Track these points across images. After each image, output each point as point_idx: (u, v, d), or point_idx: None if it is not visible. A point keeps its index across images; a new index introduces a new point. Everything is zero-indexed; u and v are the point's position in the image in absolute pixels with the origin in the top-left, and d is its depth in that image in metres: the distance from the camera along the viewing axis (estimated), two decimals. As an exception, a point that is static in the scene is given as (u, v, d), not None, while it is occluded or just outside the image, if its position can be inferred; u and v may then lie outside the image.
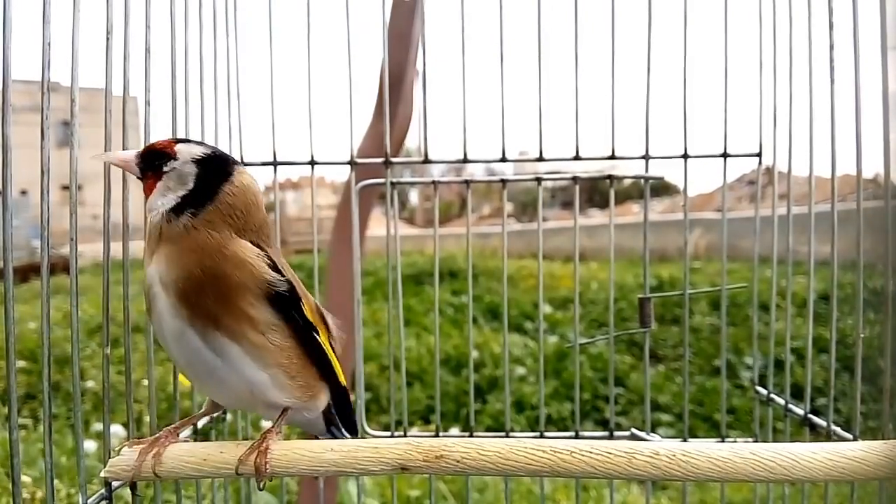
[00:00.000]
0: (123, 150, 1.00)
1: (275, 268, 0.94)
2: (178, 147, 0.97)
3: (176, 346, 0.94)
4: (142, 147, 1.04)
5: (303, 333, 0.98)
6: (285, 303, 0.95)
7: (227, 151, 1.40)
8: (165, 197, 0.95)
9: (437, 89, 1.49)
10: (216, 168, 0.96)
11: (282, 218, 1.51)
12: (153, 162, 0.96)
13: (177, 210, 0.94)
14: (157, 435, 0.98)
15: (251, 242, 0.95)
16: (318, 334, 1.01)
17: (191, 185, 0.95)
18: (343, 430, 1.15)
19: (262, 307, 0.93)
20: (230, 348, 0.92)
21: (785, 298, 1.42)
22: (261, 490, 1.06)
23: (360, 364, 1.48)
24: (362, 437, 1.47)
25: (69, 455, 3.50)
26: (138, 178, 0.98)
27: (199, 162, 0.96)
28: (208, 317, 0.90)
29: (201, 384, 1.01)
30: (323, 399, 1.06)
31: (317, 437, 1.15)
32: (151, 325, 0.97)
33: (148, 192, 0.97)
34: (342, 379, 1.07)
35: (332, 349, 1.05)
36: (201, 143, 1.00)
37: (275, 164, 1.48)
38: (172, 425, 1.01)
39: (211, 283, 0.90)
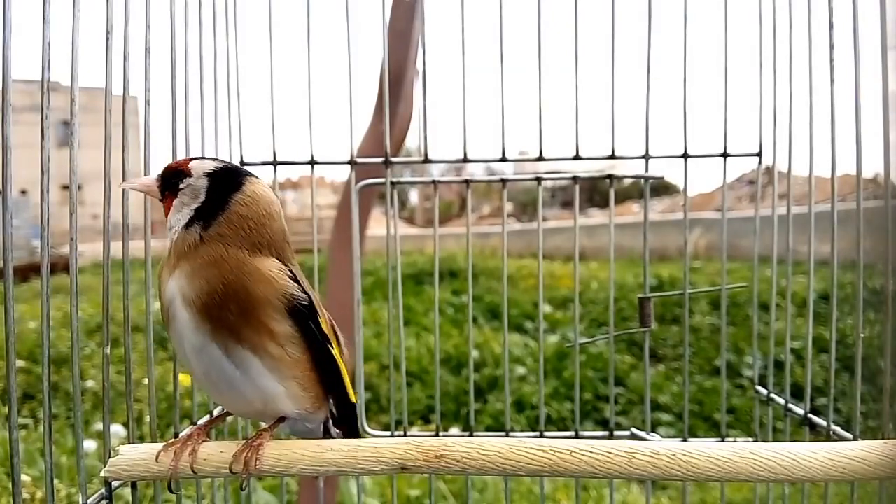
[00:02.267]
0: (123, 155, 1.00)
1: (295, 280, 0.96)
2: (192, 164, 0.98)
3: (196, 360, 0.95)
4: (142, 148, 1.05)
5: (316, 346, 0.99)
6: (304, 316, 0.96)
7: (227, 151, 1.42)
8: (180, 213, 0.97)
9: (437, 89, 1.49)
10: (227, 180, 0.97)
11: (282, 218, 1.50)
12: (170, 181, 0.99)
13: (189, 224, 0.96)
14: (188, 433, 1.00)
15: (273, 257, 0.97)
16: (332, 347, 1.02)
17: (202, 198, 0.97)
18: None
19: (283, 320, 0.95)
20: (250, 361, 0.94)
21: (785, 298, 1.42)
22: (243, 490, 1.07)
23: (360, 364, 1.48)
24: (362, 437, 1.47)
25: (69, 455, 3.50)
26: (160, 200, 1.00)
27: (211, 175, 0.97)
28: (230, 330, 0.92)
29: (217, 394, 1.03)
30: (325, 411, 1.07)
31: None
32: (170, 339, 0.98)
33: (166, 212, 0.99)
34: (351, 393, 1.08)
35: (344, 363, 1.06)
36: (216, 159, 1.01)
37: (275, 163, 1.48)
38: (200, 423, 1.03)
39: (233, 297, 0.91)
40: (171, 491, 1.01)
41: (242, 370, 0.94)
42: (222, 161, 1.01)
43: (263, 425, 1.06)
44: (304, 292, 0.97)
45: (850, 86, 1.16)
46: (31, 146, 0.85)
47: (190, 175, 0.97)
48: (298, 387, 0.99)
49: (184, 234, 0.95)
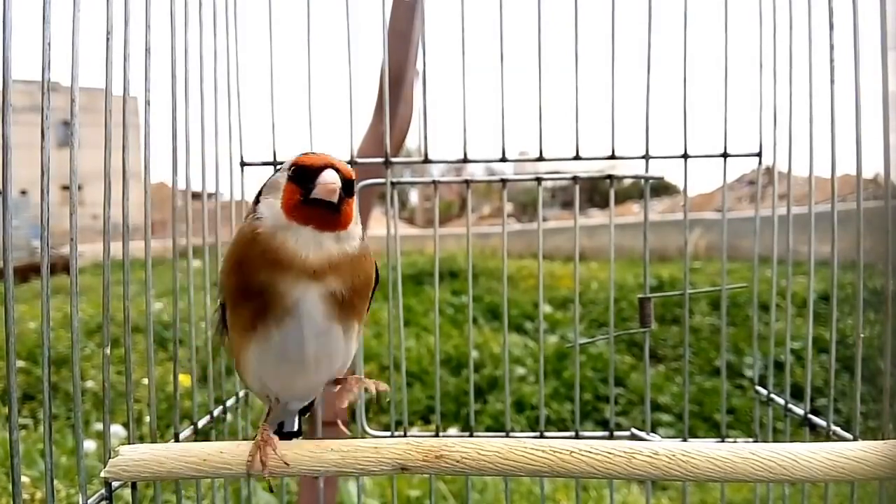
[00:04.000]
0: (123, 156, 0.99)
1: None
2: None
3: (315, 342, 0.97)
4: (142, 148, 1.05)
5: None
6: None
7: (227, 151, 1.42)
8: (358, 225, 1.00)
9: (437, 89, 1.49)
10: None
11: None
12: (350, 188, 0.96)
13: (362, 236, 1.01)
14: (260, 438, 0.99)
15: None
16: None
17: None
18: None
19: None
20: (352, 327, 1.01)
21: (785, 298, 1.42)
22: (272, 492, 1.08)
23: (360, 364, 1.48)
24: (362, 438, 1.47)
25: (69, 455, 3.49)
26: (333, 203, 0.92)
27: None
28: (352, 309, 0.99)
29: (309, 371, 1.02)
30: None
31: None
32: (274, 332, 0.96)
33: (347, 217, 0.95)
34: None
35: None
36: None
37: (275, 164, 1.48)
38: (263, 423, 1.02)
39: (365, 289, 1.00)
40: (272, 492, 1.04)
41: (347, 338, 1.00)
42: None
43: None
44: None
45: (850, 86, 1.16)
46: (32, 146, 0.85)
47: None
48: (355, 345, 1.06)
49: (350, 244, 0.96)
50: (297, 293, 0.93)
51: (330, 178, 0.90)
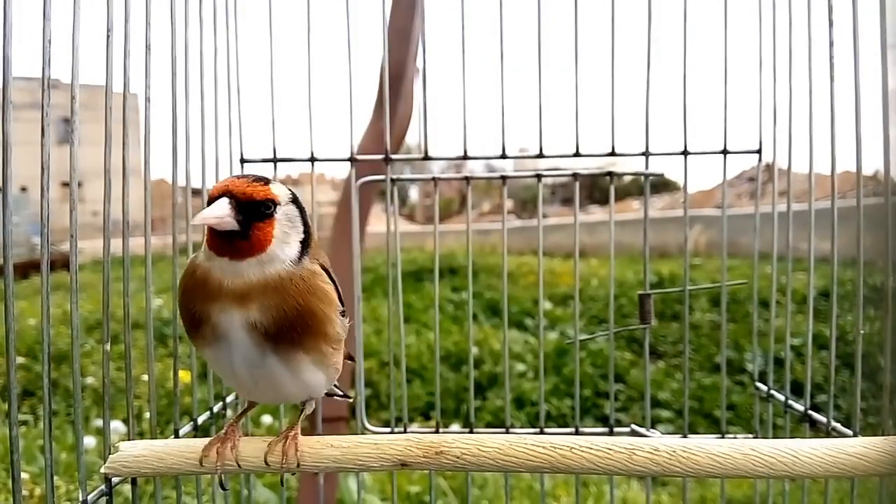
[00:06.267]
0: (123, 153, 0.99)
1: (334, 282, 0.99)
2: (273, 189, 0.93)
3: (247, 371, 0.95)
4: (142, 145, 1.05)
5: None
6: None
7: (227, 148, 1.42)
8: (289, 245, 0.93)
9: (437, 86, 1.49)
10: (300, 203, 0.97)
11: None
12: (258, 210, 0.91)
13: (300, 257, 0.95)
14: (225, 432, 1.01)
15: (320, 265, 0.97)
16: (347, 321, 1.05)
17: (301, 227, 0.96)
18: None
19: (337, 324, 0.97)
20: (303, 361, 0.95)
21: (785, 295, 1.42)
22: (282, 486, 1.13)
23: (360, 361, 1.48)
24: (362, 434, 1.47)
25: (69, 451, 3.50)
26: (235, 231, 0.89)
27: (293, 201, 0.96)
28: (292, 343, 0.93)
29: (256, 392, 1.03)
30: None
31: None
32: (205, 350, 0.97)
33: (261, 241, 0.91)
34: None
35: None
36: (272, 181, 0.96)
37: (275, 160, 1.48)
38: (232, 419, 1.05)
39: (301, 321, 0.92)
40: (223, 488, 1.04)
41: (294, 372, 0.96)
42: (276, 181, 0.98)
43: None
44: (338, 291, 0.99)
45: (850, 83, 1.16)
46: (32, 143, 0.85)
47: (279, 203, 0.93)
48: (335, 370, 1.02)
49: (274, 267, 0.92)
50: (225, 323, 0.92)
51: (206, 213, 0.88)
